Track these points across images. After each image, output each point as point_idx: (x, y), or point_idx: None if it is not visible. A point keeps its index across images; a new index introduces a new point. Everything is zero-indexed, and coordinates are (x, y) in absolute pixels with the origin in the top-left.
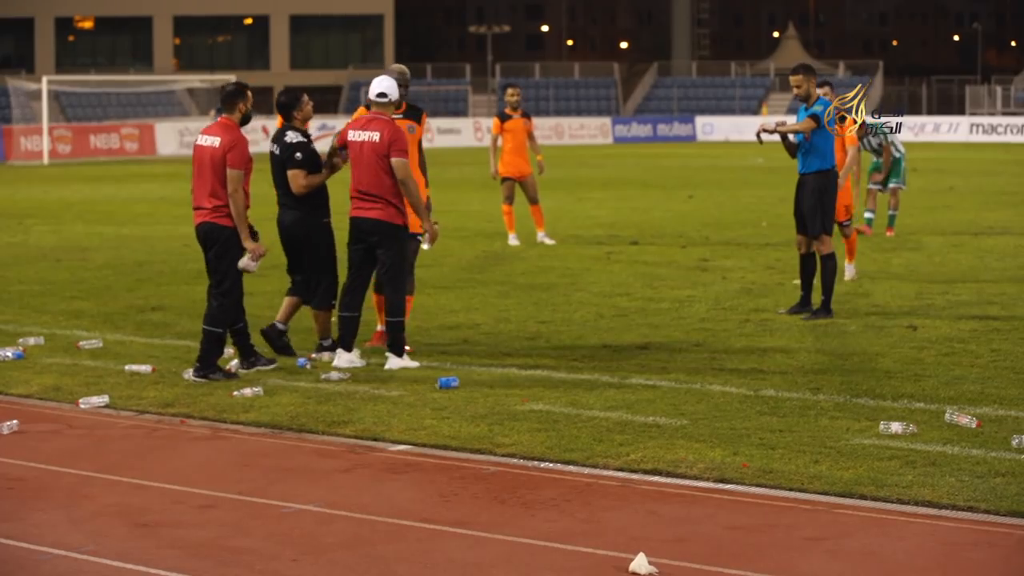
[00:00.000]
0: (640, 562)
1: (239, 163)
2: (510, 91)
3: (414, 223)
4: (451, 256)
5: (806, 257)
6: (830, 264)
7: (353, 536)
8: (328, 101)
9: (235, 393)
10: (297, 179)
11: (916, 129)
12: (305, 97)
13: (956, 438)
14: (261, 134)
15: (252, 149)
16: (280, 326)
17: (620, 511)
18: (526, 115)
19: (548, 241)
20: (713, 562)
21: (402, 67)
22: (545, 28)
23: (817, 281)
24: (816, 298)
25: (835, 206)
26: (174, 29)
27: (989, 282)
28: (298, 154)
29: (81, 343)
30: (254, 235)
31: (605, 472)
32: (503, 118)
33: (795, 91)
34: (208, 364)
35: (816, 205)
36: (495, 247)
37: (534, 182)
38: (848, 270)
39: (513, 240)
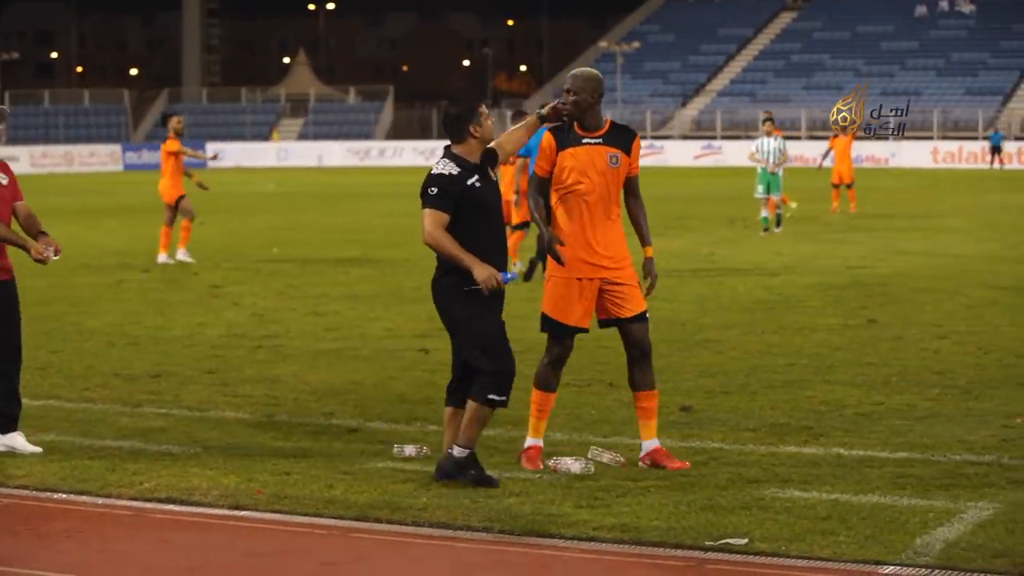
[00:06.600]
0: None
1: None
2: (178, 119)
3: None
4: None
5: None
6: None
7: None
8: None
9: None
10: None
11: (427, 154)
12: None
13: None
14: None
15: None
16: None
17: (134, 540)
18: None
19: (190, 259)
20: None
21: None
22: (55, 55)
23: None
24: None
25: None
26: None
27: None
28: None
29: None
30: None
31: (119, 502)
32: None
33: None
34: None
35: None
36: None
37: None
38: None
39: (164, 258)
